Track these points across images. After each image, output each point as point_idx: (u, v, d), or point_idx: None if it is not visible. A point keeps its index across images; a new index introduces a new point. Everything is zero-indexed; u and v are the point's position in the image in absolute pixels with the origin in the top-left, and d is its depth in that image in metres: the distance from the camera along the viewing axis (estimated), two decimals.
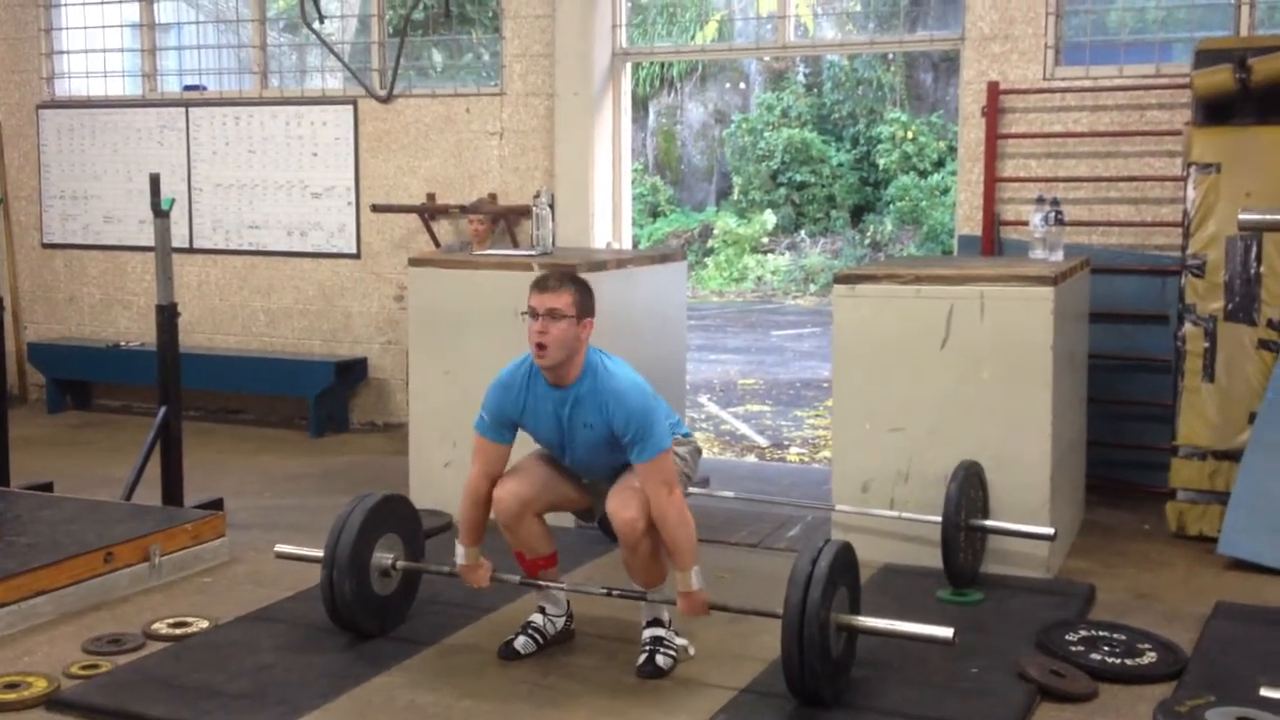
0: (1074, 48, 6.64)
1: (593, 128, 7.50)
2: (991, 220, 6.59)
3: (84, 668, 4.11)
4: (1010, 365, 5.05)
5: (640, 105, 21.52)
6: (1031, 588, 4.94)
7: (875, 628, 3.88)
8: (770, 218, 20.55)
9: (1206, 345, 5.65)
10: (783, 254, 20.50)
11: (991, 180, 6.61)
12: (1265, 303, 5.55)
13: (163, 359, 5.80)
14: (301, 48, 10.24)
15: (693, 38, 17.64)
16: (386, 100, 8.07)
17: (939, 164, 19.51)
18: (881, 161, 20.03)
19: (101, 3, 8.90)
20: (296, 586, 4.82)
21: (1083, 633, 4.35)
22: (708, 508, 5.78)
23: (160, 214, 5.73)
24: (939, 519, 4.81)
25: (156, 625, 4.49)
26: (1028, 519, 4.99)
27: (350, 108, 8.17)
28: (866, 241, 19.93)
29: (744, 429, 9.60)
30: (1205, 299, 5.66)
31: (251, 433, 8.20)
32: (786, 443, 9.10)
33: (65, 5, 9.06)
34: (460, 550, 4.20)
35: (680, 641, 4.16)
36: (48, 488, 6.08)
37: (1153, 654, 4.18)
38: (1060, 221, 5.80)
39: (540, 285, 4.00)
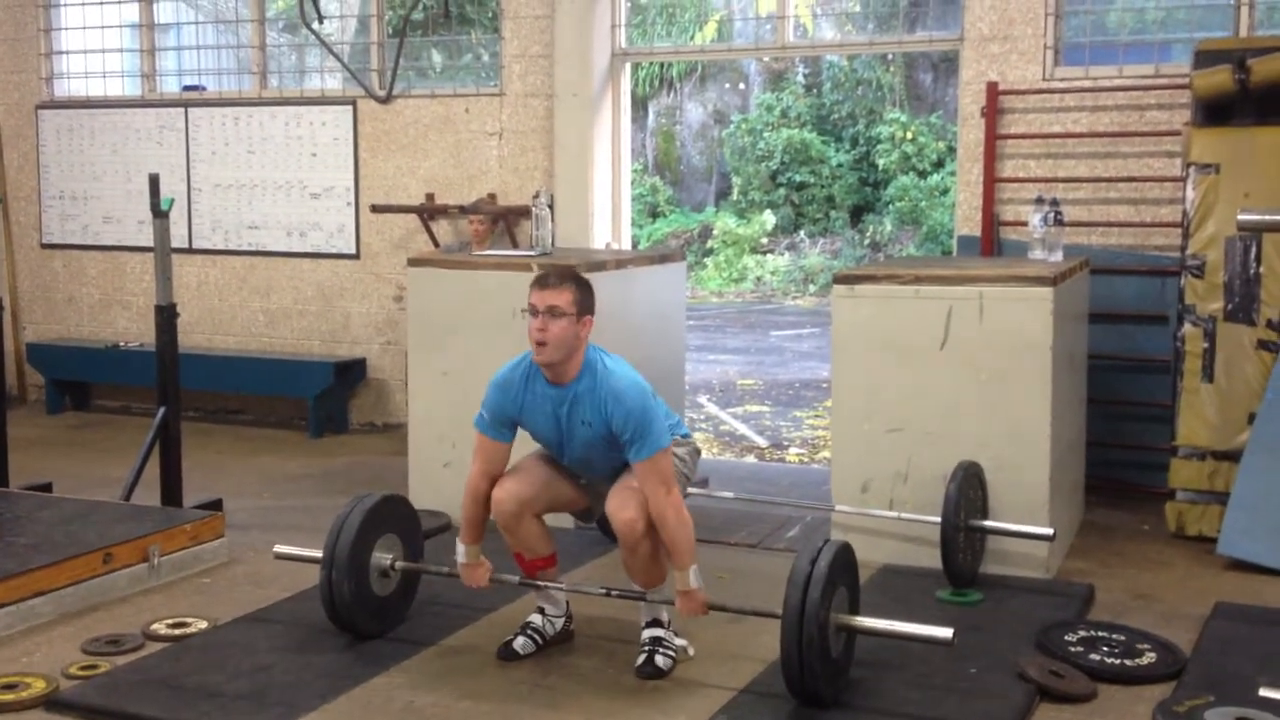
0: (1073, 48, 6.64)
1: (592, 128, 7.50)
2: (991, 221, 6.59)
3: (83, 668, 4.10)
4: (1009, 366, 5.05)
5: (639, 105, 21.53)
6: (1031, 588, 4.94)
7: (874, 628, 3.88)
8: (769, 218, 20.56)
9: (1206, 346, 5.65)
10: (782, 254, 20.51)
11: (991, 181, 6.61)
12: (1264, 303, 5.55)
13: (162, 359, 5.80)
14: (301, 48, 10.24)
15: (692, 38, 17.63)
16: (386, 101, 8.07)
17: (938, 164, 19.52)
18: (881, 162, 20.05)
19: (101, 3, 8.89)
20: (295, 587, 4.82)
21: (1082, 633, 4.35)
22: (707, 508, 5.78)
23: (159, 214, 5.73)
24: (938, 519, 4.80)
25: (155, 626, 4.49)
26: (1027, 519, 4.99)
27: (349, 108, 8.17)
28: (866, 242, 19.94)
29: (743, 429, 9.60)
30: (1204, 299, 5.66)
31: (250, 433, 8.20)
32: (786, 443, 9.10)
33: (64, 5, 9.06)
34: (461, 549, 4.20)
35: (679, 642, 4.16)
36: (47, 488, 6.07)
37: (1152, 654, 4.18)
38: (1059, 222, 5.80)
39: (541, 283, 4.01)
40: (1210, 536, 5.47)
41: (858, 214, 20.62)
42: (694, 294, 18.43)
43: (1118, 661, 4.11)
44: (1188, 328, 5.70)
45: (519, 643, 4.21)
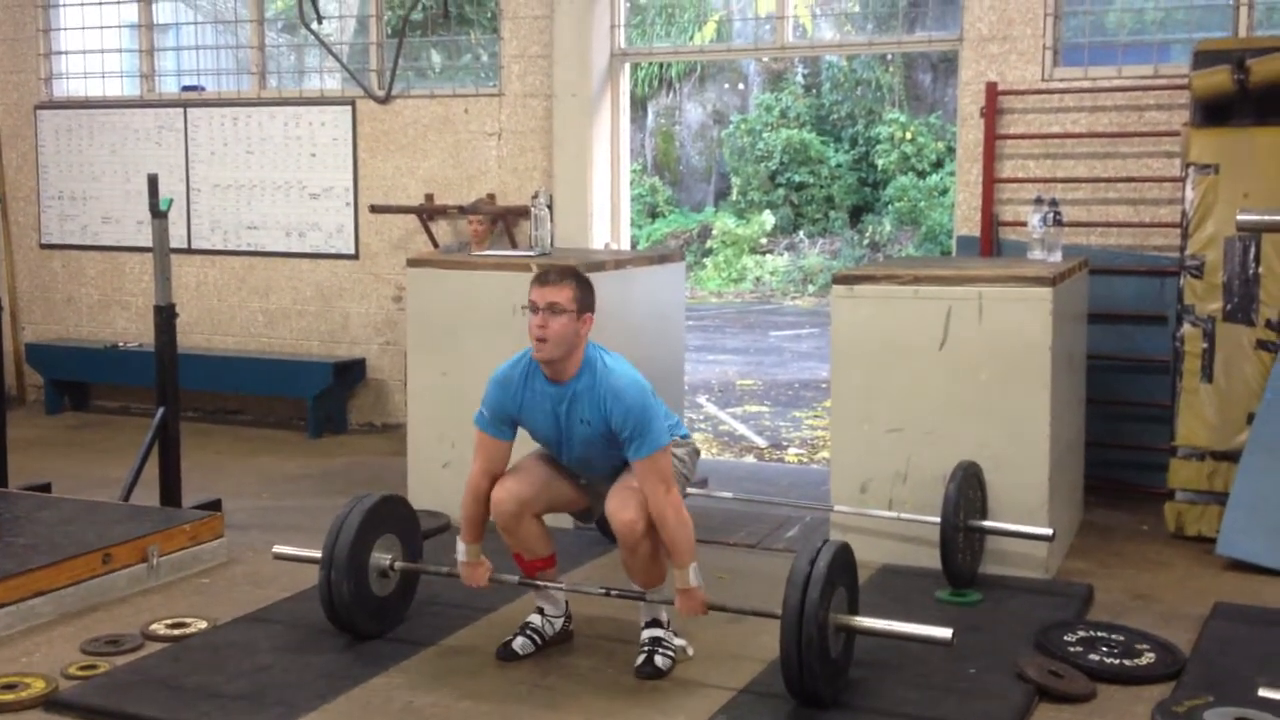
0: (1072, 49, 6.64)
1: (591, 128, 7.50)
2: (990, 221, 6.59)
3: (82, 668, 4.10)
4: (1008, 366, 5.05)
5: (639, 106, 21.53)
6: (1030, 588, 4.94)
7: (873, 628, 3.88)
8: (769, 218, 20.56)
9: (1205, 346, 5.65)
10: (781, 254, 20.51)
11: (990, 181, 6.61)
12: (1263, 303, 5.55)
13: (161, 360, 5.80)
14: (300, 48, 10.25)
15: (691, 38, 17.63)
16: (385, 101, 8.07)
17: (937, 165, 19.52)
18: (880, 162, 20.05)
19: (100, 3, 8.89)
20: (294, 587, 4.82)
21: (1081, 633, 4.35)
22: (706, 508, 5.78)
23: (158, 214, 5.73)
24: (937, 519, 4.81)
25: (154, 626, 4.48)
26: (1026, 519, 4.99)
27: (348, 108, 8.17)
28: (865, 242, 19.95)
29: (742, 429, 9.60)
30: (1204, 300, 5.66)
31: (249, 433, 8.19)
32: (785, 443, 9.10)
33: (63, 6, 9.06)
34: (461, 547, 4.20)
35: (679, 642, 4.16)
36: (46, 489, 6.07)
37: (1151, 654, 4.18)
38: (1059, 222, 5.81)
39: (541, 279, 4.01)
40: (1209, 537, 5.48)
41: (857, 214, 20.63)
42: (693, 294, 18.43)
43: (1117, 662, 4.11)
44: (1187, 328, 5.70)
45: (518, 643, 4.21)
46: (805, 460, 8.52)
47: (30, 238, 9.24)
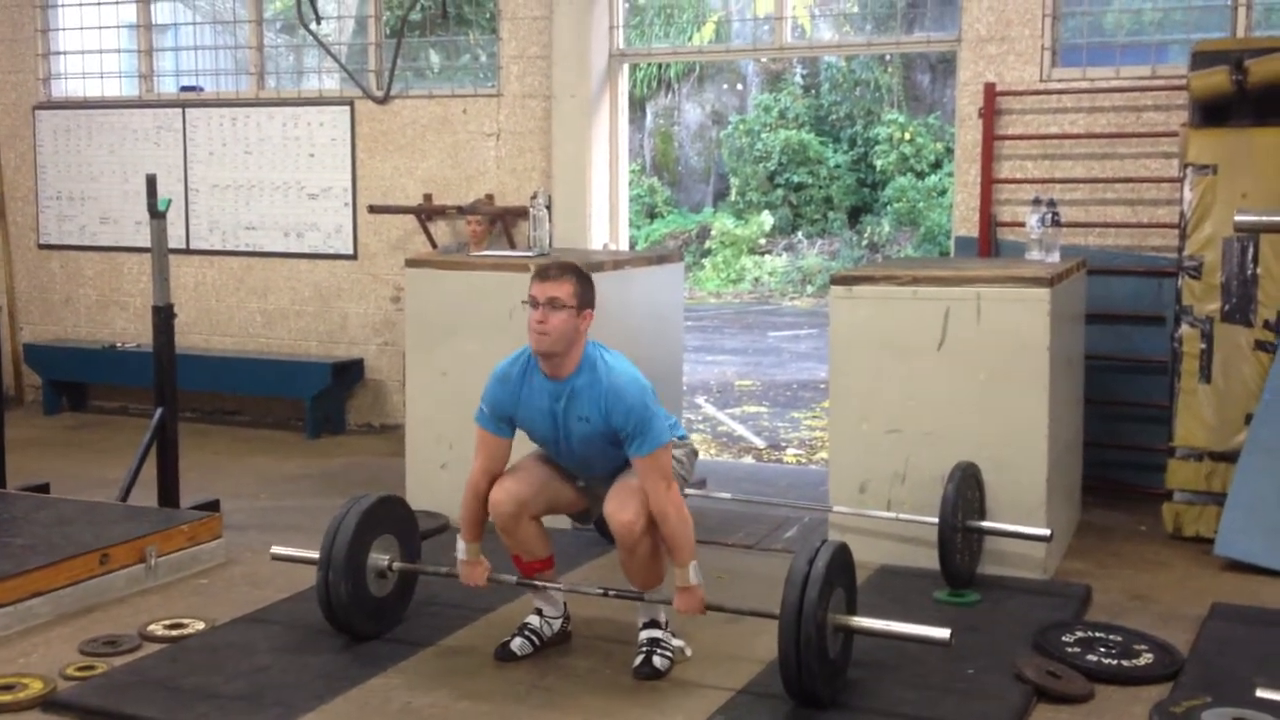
0: (1070, 49, 6.64)
1: (590, 129, 7.50)
2: (988, 221, 6.60)
3: (80, 669, 4.10)
4: (1007, 366, 5.05)
5: (637, 106, 21.53)
6: (1028, 589, 4.95)
7: (872, 628, 3.89)
8: (767, 219, 20.56)
9: (1203, 346, 5.65)
10: (780, 255, 20.50)
11: (988, 181, 6.61)
12: (1262, 304, 5.56)
13: (159, 360, 5.80)
14: (298, 49, 10.25)
15: (690, 39, 17.64)
16: (383, 101, 8.07)
17: (936, 165, 19.52)
18: (879, 163, 20.05)
19: (98, 3, 8.89)
20: (293, 588, 4.82)
21: (1079, 634, 4.35)
22: (704, 509, 5.77)
23: (156, 215, 5.73)
24: (936, 520, 4.81)
25: (153, 627, 4.48)
26: (1024, 520, 5.00)
27: (347, 109, 8.17)
28: (864, 243, 19.94)
29: (741, 430, 9.60)
30: (1202, 300, 5.66)
31: (248, 434, 8.19)
32: (783, 444, 9.10)
33: (62, 6, 9.05)
34: (461, 546, 4.20)
35: (677, 643, 4.16)
36: (44, 489, 6.07)
37: (1149, 655, 4.18)
38: (1057, 223, 5.81)
39: (541, 274, 4.01)
40: (1207, 537, 5.48)
41: (856, 215, 20.62)
42: (692, 295, 18.42)
43: (1115, 662, 4.11)
44: (1185, 328, 5.70)
45: (516, 644, 4.21)
46: (804, 461, 8.52)
47: (28, 238, 9.23)
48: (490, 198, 7.75)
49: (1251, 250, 5.57)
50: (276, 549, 4.65)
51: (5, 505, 5.60)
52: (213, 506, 5.76)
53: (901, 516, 5.13)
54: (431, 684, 4.00)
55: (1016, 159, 6.63)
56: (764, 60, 20.67)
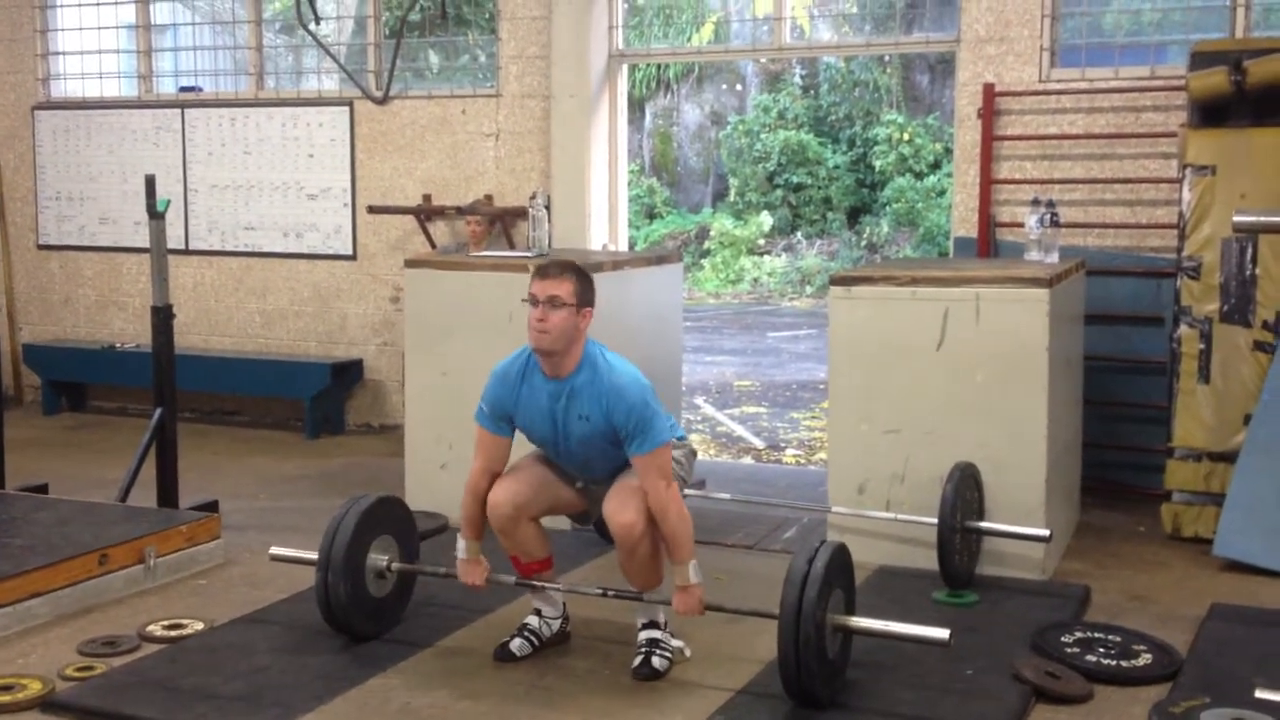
0: (1069, 50, 6.65)
1: (589, 129, 7.50)
2: (987, 222, 6.60)
3: (79, 670, 4.10)
4: (1006, 367, 5.05)
5: (636, 107, 21.53)
6: (1027, 589, 4.95)
7: (871, 629, 3.89)
8: (767, 219, 20.56)
9: (1202, 347, 5.66)
10: (779, 256, 20.50)
11: (987, 182, 6.61)
12: (1260, 304, 5.56)
13: (158, 360, 5.80)
14: (297, 49, 10.25)
15: (689, 39, 17.62)
16: (382, 102, 8.07)
17: (935, 166, 19.53)
18: (878, 163, 20.05)
19: (97, 4, 8.89)
20: (291, 588, 4.82)
21: (1078, 634, 4.36)
22: (704, 510, 5.77)
23: (155, 215, 5.73)
24: (935, 521, 4.81)
25: (151, 627, 4.48)
26: (1023, 521, 5.00)
27: (346, 109, 8.17)
28: (863, 243, 19.95)
29: (740, 431, 9.60)
30: (1201, 301, 5.66)
31: (247, 434, 8.19)
32: (783, 444, 9.10)
33: (61, 6, 9.05)
34: (461, 544, 4.20)
35: (676, 643, 4.16)
36: (43, 489, 6.06)
37: (1148, 655, 4.19)
38: (1056, 223, 5.81)
39: (541, 272, 4.01)
40: (1206, 538, 5.48)
41: (855, 215, 20.63)
42: (691, 295, 18.43)
43: (1114, 663, 4.12)
44: (1184, 329, 5.70)
45: (515, 644, 4.21)
46: (803, 461, 8.52)
47: (28, 238, 9.23)
48: (489, 198, 7.75)
49: (1250, 251, 5.57)
50: (275, 549, 4.65)
51: (4, 506, 5.59)
52: (212, 507, 5.76)
53: (900, 517, 5.13)
54: (430, 684, 4.00)
55: (1015, 159, 6.63)
56: (763, 61, 20.67)
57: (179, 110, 8.64)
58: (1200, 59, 5.71)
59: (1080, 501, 6.07)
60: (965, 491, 4.93)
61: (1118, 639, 4.31)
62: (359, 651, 4.26)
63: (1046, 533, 4.95)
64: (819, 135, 20.79)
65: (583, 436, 4.03)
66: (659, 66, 21.52)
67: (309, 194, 8.32)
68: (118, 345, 8.73)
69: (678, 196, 22.56)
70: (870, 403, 5.25)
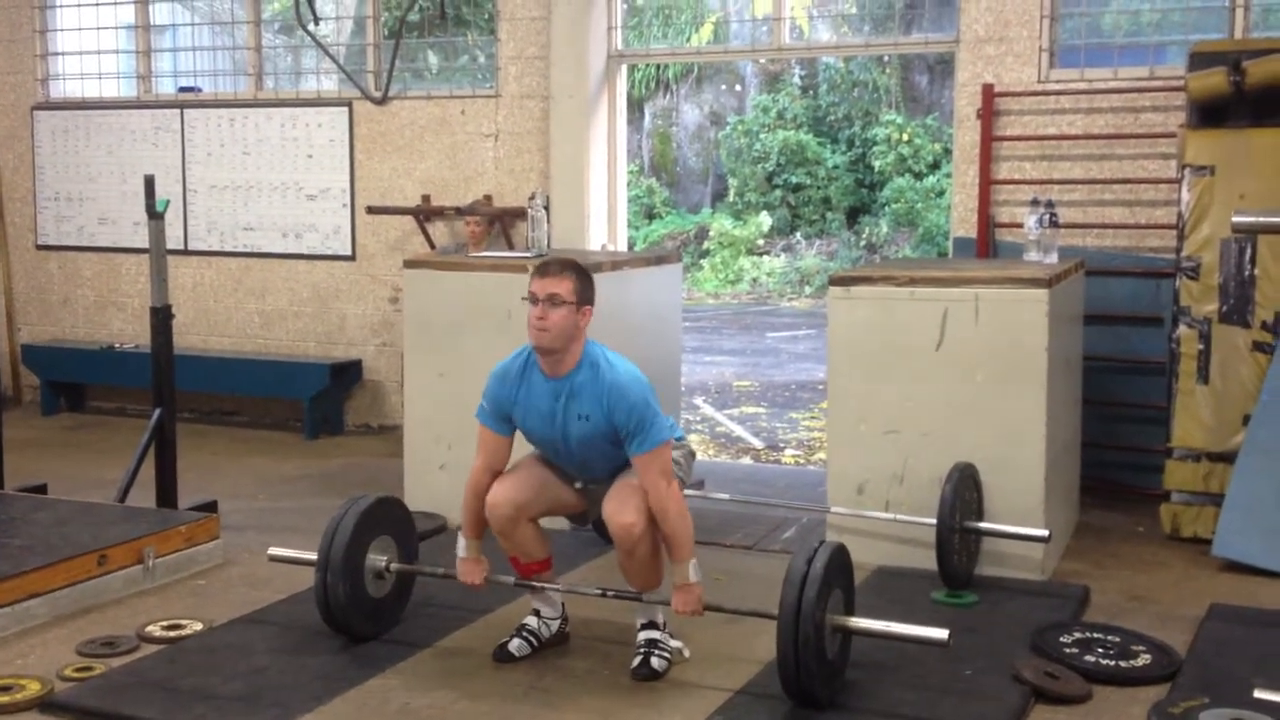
0: (1069, 50, 6.65)
1: (588, 130, 7.50)
2: (986, 222, 6.60)
3: (78, 670, 4.10)
4: (1005, 367, 5.05)
5: (636, 107, 21.53)
6: (1026, 590, 4.95)
7: (870, 629, 3.89)
8: (766, 220, 20.56)
9: (1201, 347, 5.66)
10: (778, 256, 20.51)
11: (986, 182, 6.61)
12: (1259, 305, 5.56)
13: (157, 361, 5.80)
14: (296, 50, 10.25)
15: (688, 40, 17.64)
16: (381, 102, 8.07)
17: (934, 166, 19.53)
18: (877, 164, 20.06)
19: (96, 4, 8.89)
20: (290, 589, 4.82)
21: (1077, 634, 4.36)
22: (703, 510, 5.77)
23: (154, 216, 5.73)
24: (934, 521, 4.81)
25: (150, 628, 4.48)
26: (1022, 521, 5.00)
27: (345, 109, 8.17)
28: (862, 243, 19.95)
29: (739, 431, 9.60)
30: (1200, 301, 5.67)
31: (246, 435, 8.19)
32: (782, 445, 9.10)
33: (60, 7, 9.05)
34: (462, 543, 4.20)
35: (675, 644, 4.16)
36: (42, 490, 6.06)
37: (1147, 656, 4.19)
38: (1055, 224, 5.81)
39: (541, 271, 4.01)
40: (1205, 538, 5.48)
41: (854, 215, 20.63)
42: (690, 295, 18.42)
43: (1113, 663, 4.12)
44: (1183, 329, 5.70)
45: (514, 645, 4.21)
46: (802, 462, 8.52)
47: (26, 239, 9.23)
48: (488, 198, 7.75)
49: (1249, 251, 5.57)
50: (274, 550, 4.65)
51: (3, 506, 5.59)
52: (210, 507, 5.76)
53: (899, 517, 5.13)
54: (430, 685, 4.00)
55: (1014, 160, 6.63)
56: (762, 61, 20.67)
57: (178, 111, 8.64)
58: (1199, 59, 5.71)
59: (1079, 502, 6.07)
60: (964, 492, 4.93)
61: (1117, 639, 4.31)
62: (358, 652, 4.26)
63: (1045, 533, 4.95)
64: (818, 135, 20.79)
65: (582, 436, 4.03)
66: (658, 67, 21.52)
67: (308, 194, 8.32)
68: (117, 345, 8.73)
69: (677, 197, 22.56)
70: (869, 403, 5.25)
